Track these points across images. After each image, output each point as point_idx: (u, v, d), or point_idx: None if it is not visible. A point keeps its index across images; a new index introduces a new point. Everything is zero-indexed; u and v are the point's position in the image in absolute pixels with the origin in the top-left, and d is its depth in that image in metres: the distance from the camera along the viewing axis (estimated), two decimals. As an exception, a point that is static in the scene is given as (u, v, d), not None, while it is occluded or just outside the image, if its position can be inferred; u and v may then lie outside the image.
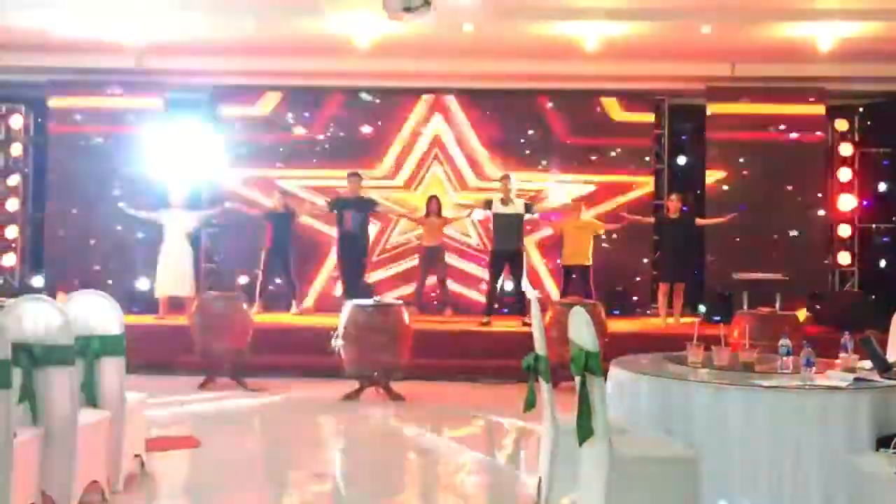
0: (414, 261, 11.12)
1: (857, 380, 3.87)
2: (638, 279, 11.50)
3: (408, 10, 7.64)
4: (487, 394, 8.09)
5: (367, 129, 11.77)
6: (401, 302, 8.27)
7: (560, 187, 11.41)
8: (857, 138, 11.78)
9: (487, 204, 10.12)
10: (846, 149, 11.72)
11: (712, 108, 11.42)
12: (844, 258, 11.67)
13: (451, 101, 11.74)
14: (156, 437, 5.48)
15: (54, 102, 11.52)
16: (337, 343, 7.56)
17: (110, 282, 10.52)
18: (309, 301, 11.23)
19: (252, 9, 9.15)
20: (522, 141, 11.70)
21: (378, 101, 11.80)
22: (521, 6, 9.00)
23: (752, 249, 10.84)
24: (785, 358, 4.18)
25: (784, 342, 4.23)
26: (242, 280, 10.98)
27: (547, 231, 11.33)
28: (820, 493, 3.58)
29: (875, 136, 11.74)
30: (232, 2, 9.09)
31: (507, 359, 7.52)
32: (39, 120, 11.95)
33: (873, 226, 11.69)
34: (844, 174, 11.66)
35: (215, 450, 5.86)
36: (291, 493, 5.27)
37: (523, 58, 10.59)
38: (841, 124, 11.73)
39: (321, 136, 11.76)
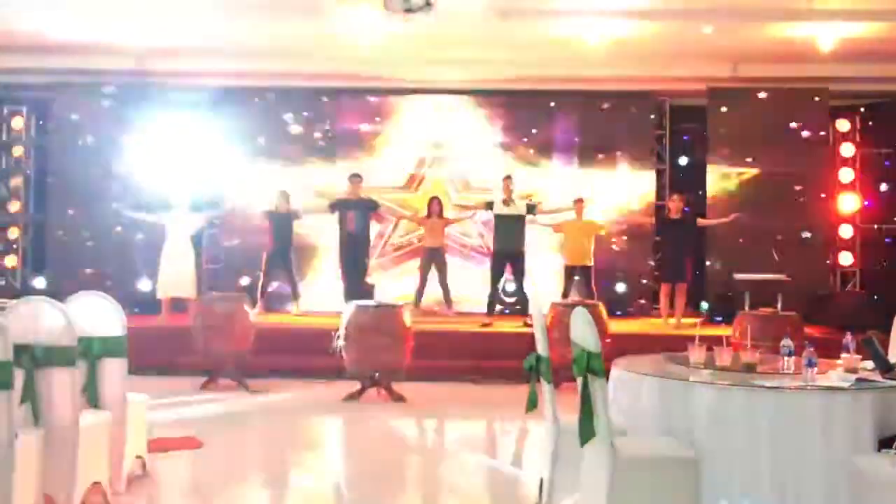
0: (415, 262, 11.11)
1: (858, 380, 3.86)
2: (639, 280, 11.49)
3: (409, 10, 7.65)
4: (489, 395, 8.09)
5: (368, 130, 11.77)
6: (402, 303, 8.27)
7: (561, 188, 11.41)
8: (858, 138, 11.77)
9: (489, 205, 10.12)
10: (848, 149, 11.72)
11: (714, 109, 11.42)
12: (846, 258, 11.66)
13: (452, 102, 11.74)
14: (157, 439, 5.47)
15: (56, 104, 11.54)
16: (338, 344, 7.56)
17: (112, 283, 10.52)
18: (310, 302, 11.23)
19: (252, 9, 9.15)
20: (524, 141, 11.70)
21: (379, 101, 11.80)
22: (522, 7, 9.00)
23: (753, 250, 10.83)
24: (787, 358, 4.18)
25: (786, 343, 4.22)
26: (244, 281, 10.98)
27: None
28: (822, 493, 3.57)
29: (877, 137, 11.72)
30: (232, 3, 9.09)
31: (509, 359, 7.51)
32: (41, 122, 11.97)
33: (875, 226, 11.67)
34: (846, 174, 11.65)
35: (217, 451, 5.86)
36: (293, 494, 5.27)
37: (524, 58, 10.58)
38: (842, 124, 11.72)
39: (322, 137, 11.77)
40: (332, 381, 8.01)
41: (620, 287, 11.42)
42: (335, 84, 11.61)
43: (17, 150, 11.87)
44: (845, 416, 3.62)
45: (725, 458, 3.65)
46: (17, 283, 11.58)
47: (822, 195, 11.37)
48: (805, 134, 11.28)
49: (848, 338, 4.34)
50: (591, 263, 10.13)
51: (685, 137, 12.17)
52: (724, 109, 11.38)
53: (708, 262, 11.23)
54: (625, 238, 11.38)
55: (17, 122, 11.88)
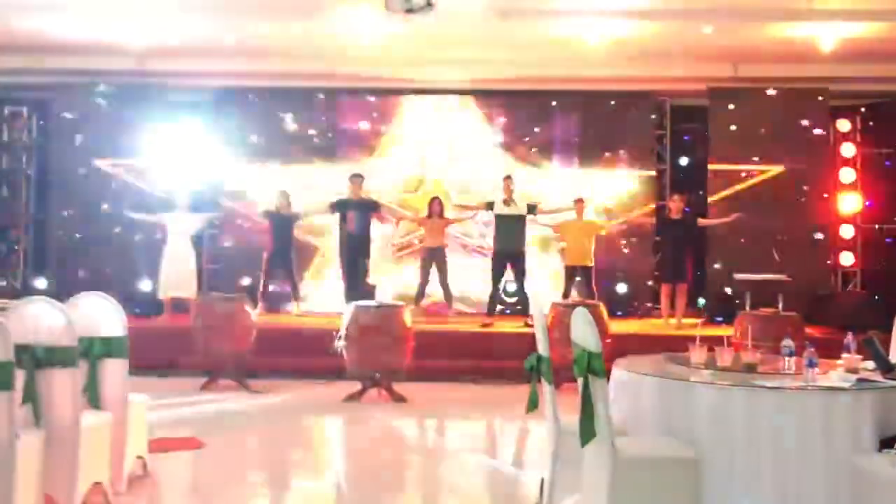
0: (416, 262, 11.10)
1: (859, 380, 3.86)
2: (640, 280, 11.49)
3: (409, 10, 7.65)
4: (490, 395, 8.09)
5: (368, 130, 11.78)
6: (403, 303, 8.27)
7: (561, 188, 11.41)
8: (859, 138, 11.76)
9: (489, 205, 10.12)
10: (848, 149, 11.71)
11: (714, 109, 11.42)
12: (847, 259, 11.65)
13: (453, 102, 11.74)
14: (158, 439, 5.48)
15: (56, 104, 11.55)
16: (339, 344, 7.56)
17: (112, 283, 10.51)
18: (311, 302, 11.24)
19: (253, 9, 9.15)
20: (524, 141, 11.71)
21: (379, 101, 11.81)
22: (523, 6, 9.00)
23: (754, 250, 10.83)
24: (787, 359, 4.18)
25: (787, 343, 4.22)
26: (244, 281, 10.98)
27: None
28: (823, 494, 3.57)
29: (877, 137, 11.72)
30: (233, 3, 9.09)
31: (510, 360, 7.52)
32: (41, 122, 11.98)
33: (876, 226, 11.67)
34: (847, 174, 11.64)
35: (218, 451, 5.86)
36: (293, 495, 5.27)
37: (525, 58, 10.59)
38: (843, 124, 11.72)
39: (323, 137, 11.77)
40: (332, 382, 8.01)
41: (621, 287, 11.42)
42: (335, 84, 11.61)
43: (19, 151, 11.86)
44: (846, 416, 3.62)
45: (726, 458, 3.65)
46: (17, 284, 11.58)
47: (823, 195, 11.37)
48: (806, 134, 11.27)
49: (849, 338, 4.34)
50: (592, 264, 10.13)
51: (686, 137, 12.17)
52: (724, 109, 11.37)
53: (708, 263, 11.23)
54: (625, 238, 11.36)
55: (19, 123, 11.87)
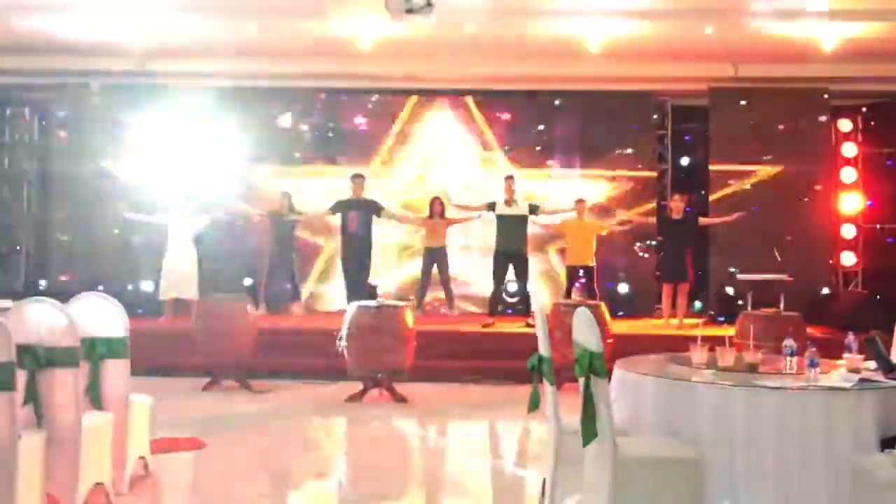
0: (417, 262, 11.10)
1: (861, 380, 3.86)
2: (642, 280, 11.49)
3: (410, 11, 7.65)
4: (491, 395, 8.09)
5: (369, 131, 11.78)
6: (404, 303, 8.27)
7: (562, 188, 11.41)
8: (860, 138, 11.76)
9: (490, 206, 10.11)
10: (850, 149, 11.70)
11: (715, 109, 11.42)
12: (849, 258, 11.65)
13: (454, 102, 11.74)
14: (160, 439, 5.47)
15: (58, 105, 11.56)
16: (341, 344, 7.56)
17: (114, 284, 10.52)
18: (312, 302, 11.25)
19: (254, 11, 9.16)
20: (525, 142, 11.71)
21: (380, 101, 11.82)
22: (524, 7, 9.00)
23: (755, 250, 10.83)
24: (789, 359, 4.18)
25: (788, 343, 4.22)
26: (246, 282, 10.99)
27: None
28: (825, 494, 3.57)
29: (879, 136, 11.71)
30: (234, 4, 9.10)
31: (511, 360, 7.50)
32: (43, 122, 11.99)
33: (877, 226, 11.66)
34: (848, 174, 11.64)
35: (220, 452, 5.86)
36: (295, 495, 5.28)
37: (526, 58, 10.59)
38: (844, 124, 11.71)
39: (324, 138, 11.78)
40: (334, 382, 8.01)
41: (622, 287, 11.42)
42: (336, 84, 11.62)
43: (20, 151, 11.87)
44: (848, 416, 3.61)
45: (727, 458, 3.64)
46: (19, 284, 11.59)
47: (825, 195, 11.36)
48: (807, 134, 11.27)
49: (850, 338, 4.33)
50: (593, 264, 10.12)
51: (687, 138, 12.17)
52: (725, 109, 11.37)
53: (710, 263, 11.22)
54: (626, 238, 11.35)
55: (20, 123, 11.88)
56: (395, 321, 7.63)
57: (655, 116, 11.84)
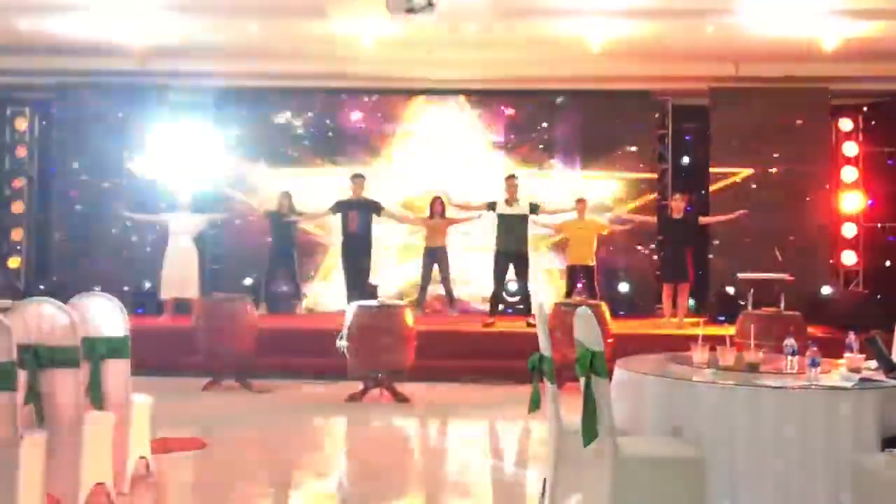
0: (418, 262, 11.09)
1: (862, 380, 3.86)
2: (643, 279, 11.49)
3: (411, 10, 7.65)
4: (492, 395, 8.09)
5: (370, 130, 11.79)
6: (405, 303, 8.26)
7: (563, 188, 11.42)
8: (861, 137, 11.75)
9: (490, 206, 10.10)
10: (851, 148, 11.70)
11: (716, 108, 11.41)
12: (849, 258, 11.64)
13: (455, 102, 11.75)
14: (161, 439, 5.48)
15: (59, 105, 11.56)
16: (342, 344, 7.56)
17: (115, 284, 10.53)
18: (313, 302, 11.25)
19: (255, 10, 9.16)
20: (526, 141, 11.71)
21: (380, 101, 11.82)
22: (525, 6, 9.00)
23: (756, 249, 10.83)
24: (790, 358, 4.17)
25: (789, 342, 4.22)
26: (247, 281, 10.99)
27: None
28: (826, 493, 3.57)
29: (880, 135, 11.71)
30: (234, 4, 9.10)
31: (512, 360, 7.50)
32: (44, 122, 12.00)
33: (878, 225, 11.66)
34: (849, 173, 11.64)
35: (220, 451, 5.87)
36: (296, 495, 5.28)
37: (526, 58, 10.59)
38: (845, 123, 11.70)
39: (324, 138, 11.78)
40: (335, 382, 8.01)
41: (623, 287, 11.43)
42: (336, 84, 11.62)
43: (21, 151, 11.89)
44: (849, 416, 3.61)
45: (728, 457, 3.64)
46: (20, 284, 11.59)
47: (825, 194, 11.36)
48: (808, 133, 11.26)
49: (851, 337, 4.33)
50: (594, 263, 10.12)
51: (687, 137, 12.16)
52: (726, 109, 11.36)
53: (710, 262, 11.22)
54: (627, 238, 11.35)
55: (21, 123, 11.90)
56: (395, 321, 7.63)
57: (656, 116, 11.84)
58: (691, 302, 10.58)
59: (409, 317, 7.72)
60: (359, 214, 10.17)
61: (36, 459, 3.79)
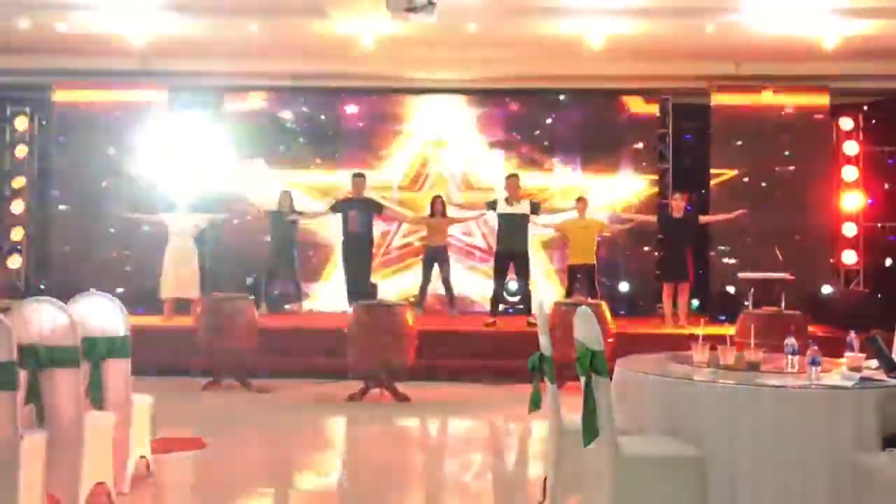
0: (418, 261, 11.10)
1: (863, 379, 3.86)
2: (643, 279, 11.48)
3: (411, 9, 7.65)
4: (492, 394, 8.09)
5: (371, 130, 11.79)
6: (405, 302, 8.26)
7: (563, 187, 11.41)
8: (861, 136, 11.74)
9: (491, 205, 10.09)
10: (851, 147, 11.69)
11: (717, 107, 11.41)
12: (850, 257, 11.64)
13: (455, 101, 11.74)
14: (161, 439, 5.48)
15: (59, 104, 11.57)
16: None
17: (115, 283, 10.53)
18: (313, 302, 11.25)
19: (255, 10, 9.16)
20: (526, 140, 11.71)
21: (381, 100, 11.82)
22: (525, 5, 9.00)
23: (756, 248, 10.82)
24: (790, 357, 4.17)
25: (789, 342, 4.21)
26: (247, 281, 10.97)
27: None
28: (827, 492, 3.56)
29: (880, 134, 11.70)
30: (235, 3, 9.10)
31: (513, 359, 7.51)
32: (44, 122, 11.99)
33: (879, 224, 11.66)
34: (850, 172, 11.63)
35: (221, 451, 5.87)
36: (296, 495, 5.28)
37: (527, 57, 10.59)
38: (846, 122, 11.70)
39: (325, 137, 11.78)
40: (335, 381, 8.01)
41: (623, 286, 11.42)
42: (337, 84, 11.61)
43: (21, 150, 11.89)
44: (850, 415, 3.61)
45: (729, 457, 3.64)
46: (20, 284, 11.59)
47: (826, 193, 11.35)
48: (808, 132, 11.26)
49: (852, 336, 4.33)
50: (595, 262, 10.11)
51: (687, 136, 12.15)
52: (726, 107, 11.36)
53: (711, 261, 11.22)
54: (628, 237, 11.35)
55: (21, 123, 11.90)
56: (395, 320, 7.63)
57: (656, 115, 11.83)
58: (695, 303, 10.57)
59: (409, 316, 7.72)
60: (359, 214, 10.17)
61: (36, 459, 3.80)
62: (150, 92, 11.45)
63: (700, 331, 4.37)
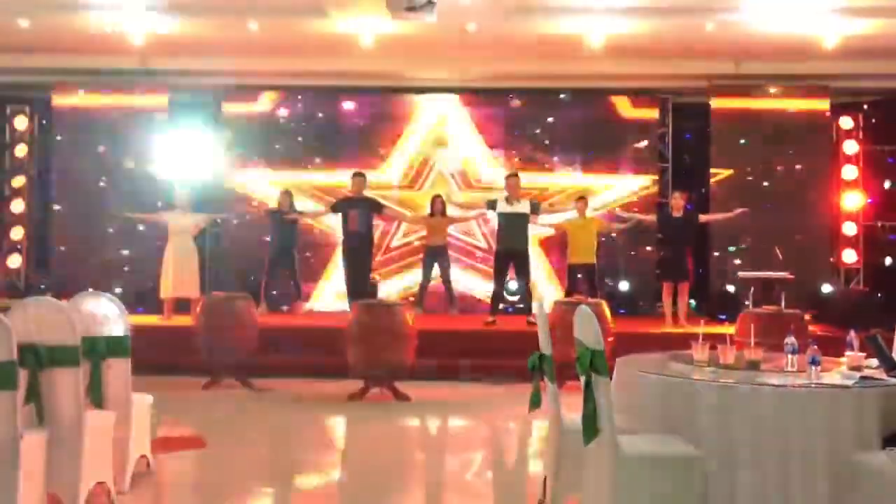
0: (418, 261, 11.10)
1: (863, 378, 3.86)
2: (643, 278, 11.48)
3: (411, 9, 7.65)
4: (492, 393, 8.09)
5: (371, 129, 11.79)
6: (405, 302, 8.26)
7: (563, 186, 11.41)
8: (861, 136, 11.74)
9: (490, 204, 10.10)
10: (851, 146, 11.69)
11: (716, 106, 11.41)
12: (850, 256, 11.64)
13: (455, 101, 11.74)
14: (161, 438, 5.48)
15: (59, 103, 11.56)
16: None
17: (115, 283, 10.55)
18: (313, 301, 11.24)
19: (255, 9, 9.15)
20: (526, 140, 11.71)
21: (381, 100, 11.82)
22: (525, 5, 8.99)
23: (756, 248, 10.81)
24: (791, 357, 4.17)
25: (790, 341, 4.21)
26: (247, 281, 10.97)
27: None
28: (827, 492, 3.56)
29: (880, 134, 11.70)
30: (235, 2, 9.09)
31: (513, 358, 7.51)
32: (44, 121, 11.99)
33: (879, 224, 11.66)
34: (849, 172, 11.63)
35: (221, 450, 5.87)
36: (297, 494, 5.28)
37: (527, 56, 10.58)
38: (846, 122, 11.70)
39: (325, 136, 11.78)
40: (335, 381, 8.01)
41: (624, 285, 11.42)
42: (337, 83, 11.61)
43: (21, 150, 11.89)
44: (850, 414, 3.61)
45: (730, 456, 3.64)
46: (20, 284, 11.59)
47: (826, 193, 11.35)
48: (808, 131, 11.26)
49: (852, 335, 4.33)
50: (595, 262, 10.11)
51: (687, 135, 12.15)
52: (726, 106, 11.36)
53: (711, 260, 11.22)
54: (628, 237, 11.35)
55: (21, 122, 11.90)
56: (396, 319, 7.63)
57: (656, 114, 11.82)
58: (692, 303, 10.57)
59: (409, 315, 7.72)
60: (359, 213, 10.16)
61: (36, 459, 3.80)
62: (150, 91, 11.44)
63: (700, 330, 4.37)
